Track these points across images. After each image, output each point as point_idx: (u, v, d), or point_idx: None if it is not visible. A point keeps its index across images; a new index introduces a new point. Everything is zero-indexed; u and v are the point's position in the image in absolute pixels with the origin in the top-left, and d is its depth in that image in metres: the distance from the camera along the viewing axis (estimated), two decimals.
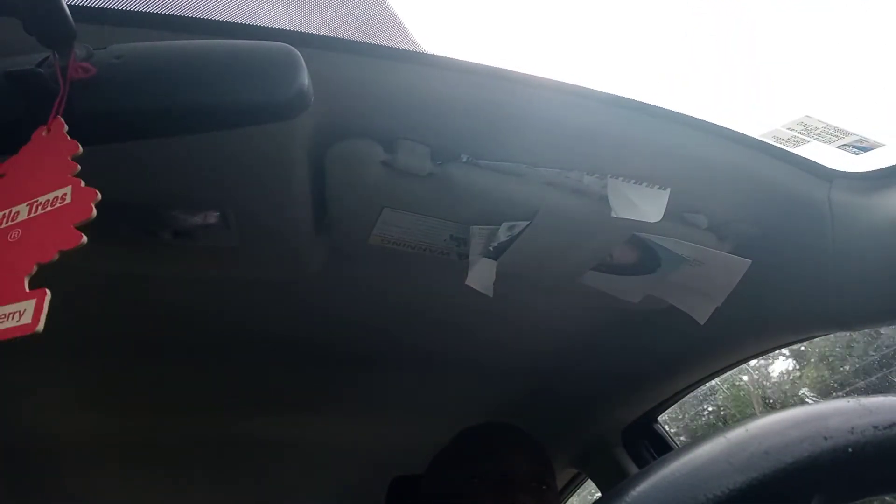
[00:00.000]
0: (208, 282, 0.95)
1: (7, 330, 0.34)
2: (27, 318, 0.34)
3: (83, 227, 0.37)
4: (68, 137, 0.41)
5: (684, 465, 0.28)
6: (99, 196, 0.38)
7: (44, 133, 0.42)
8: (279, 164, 0.70)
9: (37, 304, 0.34)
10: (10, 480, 1.45)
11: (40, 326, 0.34)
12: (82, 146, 0.41)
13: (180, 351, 1.13)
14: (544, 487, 0.98)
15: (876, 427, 0.29)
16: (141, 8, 0.59)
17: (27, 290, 0.35)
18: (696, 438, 0.30)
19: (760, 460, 0.27)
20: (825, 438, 0.28)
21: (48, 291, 0.35)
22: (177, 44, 0.46)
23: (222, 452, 1.51)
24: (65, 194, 0.39)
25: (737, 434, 0.29)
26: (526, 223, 0.80)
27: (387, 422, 1.45)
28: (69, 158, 0.41)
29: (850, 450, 0.28)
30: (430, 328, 1.12)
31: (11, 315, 0.35)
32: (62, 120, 0.42)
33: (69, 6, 0.41)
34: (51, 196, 0.40)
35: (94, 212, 0.38)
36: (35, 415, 1.28)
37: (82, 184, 0.39)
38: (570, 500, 1.64)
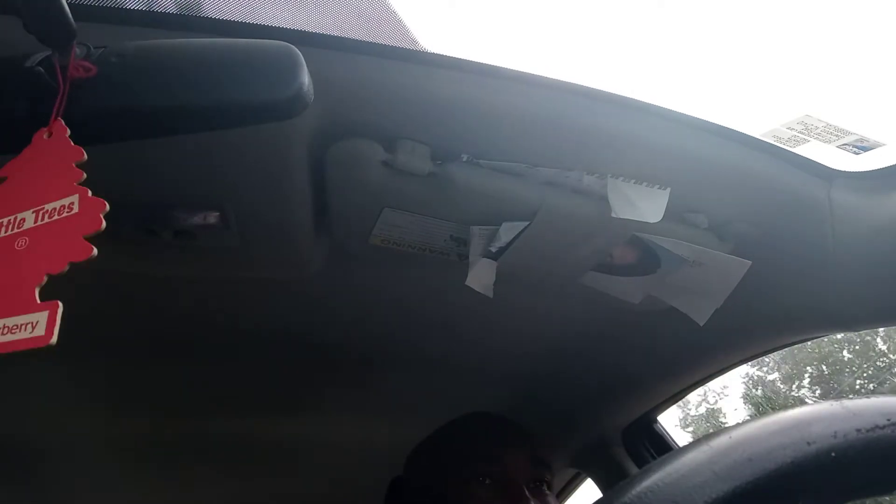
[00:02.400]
0: (208, 282, 0.95)
1: (21, 341, 0.34)
2: (40, 331, 0.34)
3: (92, 239, 0.37)
4: (72, 143, 0.41)
5: (668, 476, 0.28)
6: (108, 207, 0.38)
7: (45, 136, 0.41)
8: (279, 164, 0.70)
9: (50, 315, 0.34)
10: (9, 479, 1.45)
11: (54, 339, 0.33)
12: (84, 148, 0.41)
13: (180, 350, 1.13)
14: (543, 487, 0.98)
15: (858, 430, 0.29)
16: (141, 7, 0.59)
17: (38, 301, 0.35)
18: (679, 448, 0.30)
19: (744, 468, 0.27)
20: (808, 443, 0.28)
21: (60, 304, 0.34)
22: (177, 42, 0.46)
23: (221, 452, 1.51)
24: (72, 203, 0.39)
25: (720, 441, 0.29)
26: (526, 223, 0.80)
27: (387, 421, 1.45)
28: (74, 165, 0.40)
29: (833, 454, 0.28)
30: (430, 328, 1.12)
31: (24, 326, 0.34)
32: (64, 123, 0.41)
33: (69, 4, 0.41)
34: (57, 204, 0.39)
35: (104, 223, 0.37)
36: (34, 414, 1.28)
37: (89, 193, 0.39)
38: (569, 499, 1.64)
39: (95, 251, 0.36)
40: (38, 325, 0.34)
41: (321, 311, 1.06)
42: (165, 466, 1.56)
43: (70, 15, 0.41)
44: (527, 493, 0.92)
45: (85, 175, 0.40)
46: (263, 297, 1.00)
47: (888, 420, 0.29)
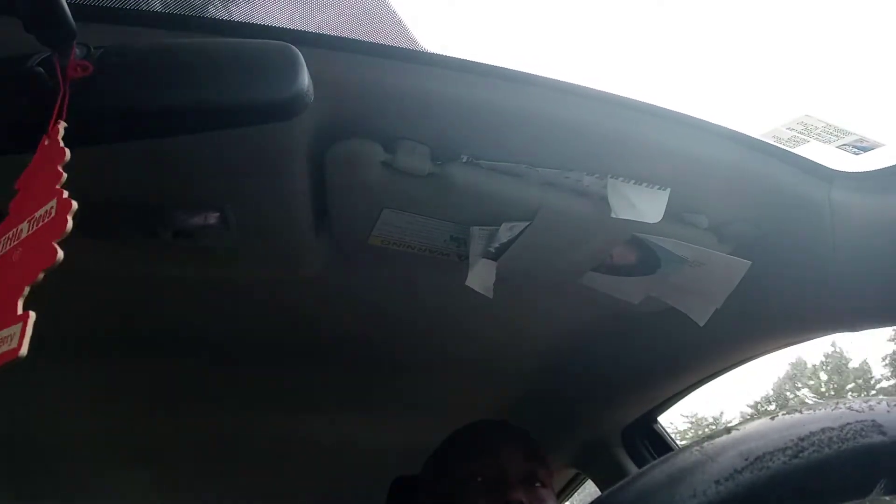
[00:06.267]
0: (208, 282, 0.95)
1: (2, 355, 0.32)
2: (14, 343, 0.32)
3: (63, 243, 0.34)
4: (61, 144, 0.39)
5: None
6: (75, 206, 0.35)
7: (46, 142, 0.41)
8: (279, 164, 0.70)
9: (22, 327, 0.32)
10: (10, 479, 1.45)
11: (23, 351, 0.32)
12: (79, 147, 0.39)
13: (180, 351, 1.13)
14: (538, 485, 0.98)
15: (717, 482, 0.26)
16: (141, 7, 0.59)
17: (19, 312, 0.33)
18: None
19: None
20: None
21: (32, 314, 0.33)
22: (176, 42, 0.46)
23: (222, 452, 1.51)
24: (52, 208, 0.36)
25: None
26: (526, 223, 0.80)
27: (387, 422, 1.45)
28: (58, 168, 0.38)
29: None
30: (431, 329, 1.12)
31: (6, 339, 0.33)
32: (59, 126, 0.40)
33: (69, 4, 0.41)
34: (42, 211, 0.37)
35: (70, 225, 0.35)
36: (35, 414, 1.28)
37: (65, 195, 0.36)
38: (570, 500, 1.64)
39: (61, 255, 0.34)
40: (13, 337, 0.32)
41: (321, 312, 1.06)
42: (163, 466, 1.56)
43: (70, 15, 0.41)
44: (517, 490, 0.93)
45: (65, 176, 0.37)
46: (263, 298, 1.00)
47: (746, 459, 0.27)
